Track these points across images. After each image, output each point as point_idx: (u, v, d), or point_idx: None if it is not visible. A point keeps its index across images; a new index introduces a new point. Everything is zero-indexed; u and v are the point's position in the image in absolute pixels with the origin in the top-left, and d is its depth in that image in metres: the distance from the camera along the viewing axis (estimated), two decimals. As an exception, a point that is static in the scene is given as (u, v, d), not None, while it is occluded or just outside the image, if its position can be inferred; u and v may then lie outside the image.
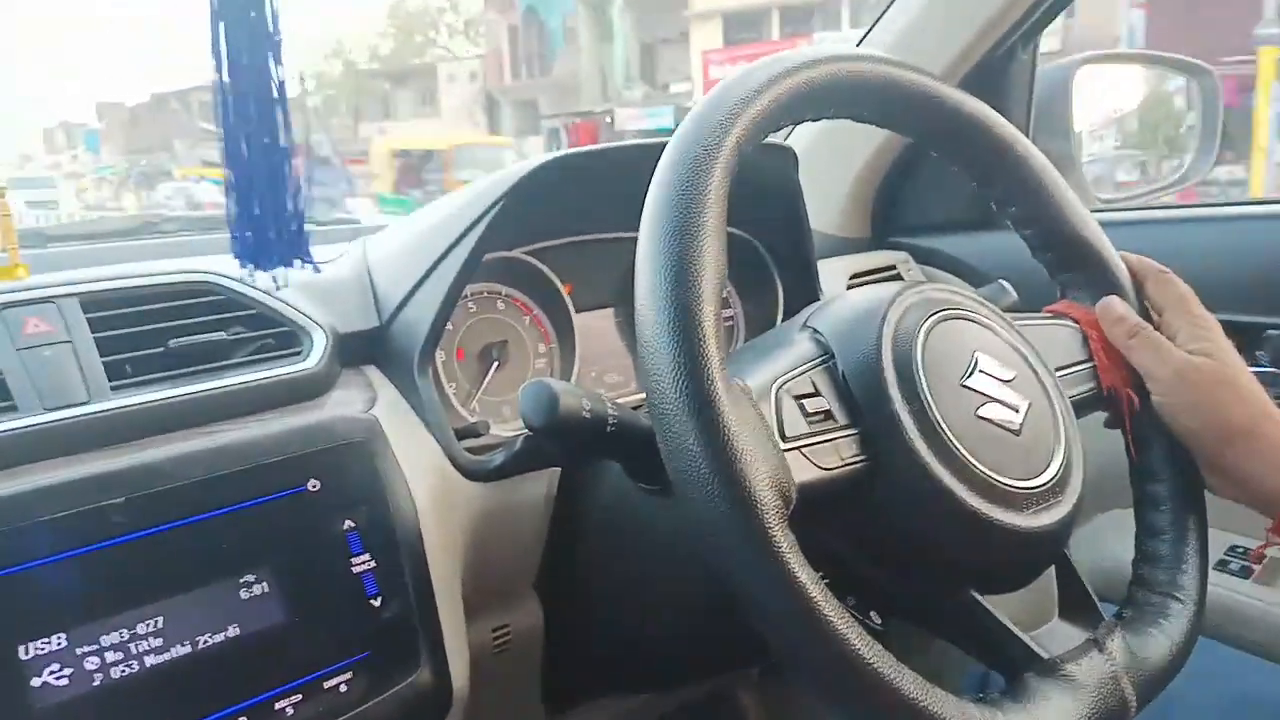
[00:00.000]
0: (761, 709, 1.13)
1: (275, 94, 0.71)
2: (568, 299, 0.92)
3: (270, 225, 0.74)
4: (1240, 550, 0.99)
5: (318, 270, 0.78)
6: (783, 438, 0.51)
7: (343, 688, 0.62)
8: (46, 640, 0.54)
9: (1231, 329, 0.68)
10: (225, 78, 0.70)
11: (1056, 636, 0.57)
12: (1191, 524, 0.65)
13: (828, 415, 0.53)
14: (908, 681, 0.47)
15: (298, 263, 0.76)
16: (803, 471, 0.50)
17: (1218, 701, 0.73)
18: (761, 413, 0.50)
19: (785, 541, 0.46)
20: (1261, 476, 0.62)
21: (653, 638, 0.77)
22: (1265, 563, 0.97)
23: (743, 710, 1.12)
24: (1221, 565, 0.98)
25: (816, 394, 0.54)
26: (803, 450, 0.51)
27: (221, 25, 0.69)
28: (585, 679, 0.85)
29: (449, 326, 0.83)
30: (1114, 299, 0.68)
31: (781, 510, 0.47)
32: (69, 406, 0.63)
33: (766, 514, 0.46)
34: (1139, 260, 0.71)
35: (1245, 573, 0.97)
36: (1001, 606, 0.56)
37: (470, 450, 0.75)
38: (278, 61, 0.70)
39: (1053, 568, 0.61)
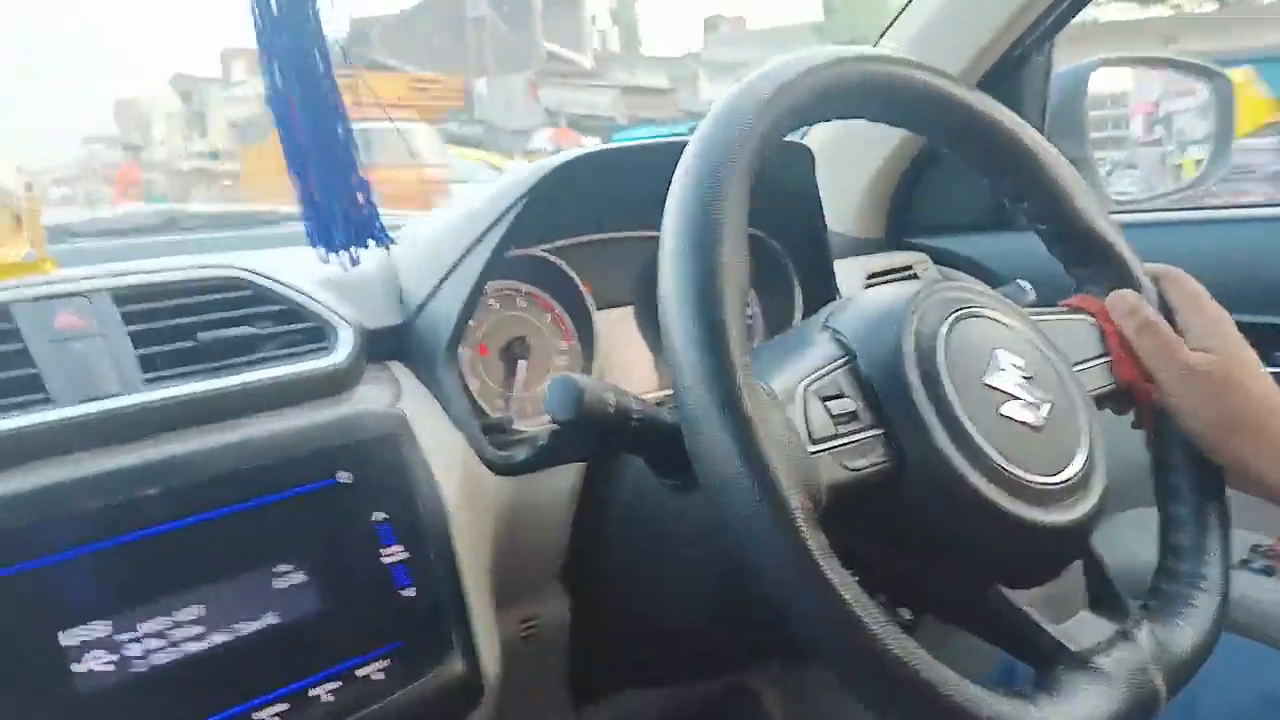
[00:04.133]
0: (783, 703, 1.14)
1: (322, 72, 0.71)
2: (588, 297, 0.92)
3: (334, 207, 0.74)
4: (1263, 549, 0.99)
5: (393, 243, 0.78)
6: (810, 440, 0.51)
7: (377, 676, 0.63)
8: (87, 627, 0.55)
9: (1249, 329, 0.68)
10: (275, 70, 0.70)
11: (1084, 629, 0.57)
12: (1213, 515, 0.65)
13: (853, 416, 0.54)
14: (942, 676, 0.47)
15: (371, 243, 0.76)
16: (831, 473, 0.51)
17: (1245, 698, 0.73)
18: (789, 416, 0.51)
19: (816, 543, 0.46)
20: (1273, 472, 0.63)
21: (675, 630, 0.77)
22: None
23: (764, 704, 1.13)
24: (1244, 564, 0.99)
25: (841, 395, 0.54)
26: (830, 452, 0.52)
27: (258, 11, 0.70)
28: (610, 671, 0.86)
29: (471, 323, 0.84)
30: (1126, 292, 0.68)
31: (811, 512, 0.47)
32: (102, 399, 0.63)
33: (797, 517, 0.46)
34: (1151, 266, 0.71)
35: (1268, 571, 0.98)
36: (1028, 601, 0.56)
37: (495, 445, 0.76)
38: (323, 53, 0.71)
39: (1079, 562, 0.61)
